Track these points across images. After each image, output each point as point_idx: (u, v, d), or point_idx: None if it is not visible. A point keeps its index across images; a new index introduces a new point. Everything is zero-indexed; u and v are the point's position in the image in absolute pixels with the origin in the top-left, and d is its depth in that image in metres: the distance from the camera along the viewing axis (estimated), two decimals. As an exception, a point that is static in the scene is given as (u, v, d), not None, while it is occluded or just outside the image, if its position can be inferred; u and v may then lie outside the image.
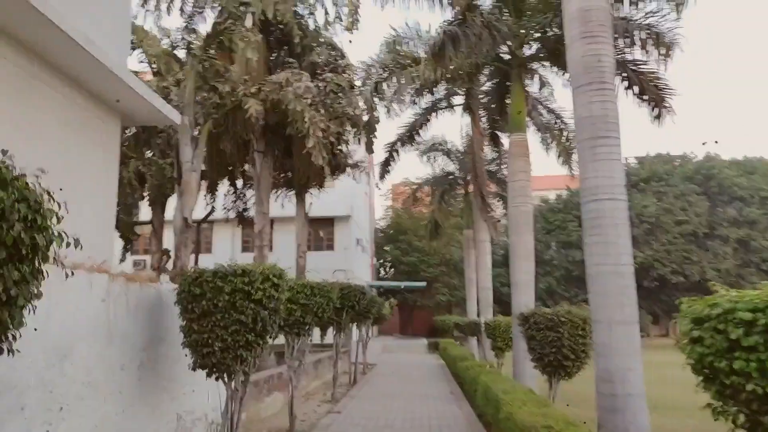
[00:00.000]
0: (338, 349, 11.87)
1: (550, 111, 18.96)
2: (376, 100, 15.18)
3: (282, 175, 19.32)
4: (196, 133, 11.48)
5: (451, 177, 26.01)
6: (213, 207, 22.36)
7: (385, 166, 20.84)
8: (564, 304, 9.78)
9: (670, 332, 42.83)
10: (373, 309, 14.38)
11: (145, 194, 18.51)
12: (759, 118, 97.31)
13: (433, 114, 20.58)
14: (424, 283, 36.73)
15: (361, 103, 14.02)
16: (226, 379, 5.62)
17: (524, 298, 12.04)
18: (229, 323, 5.31)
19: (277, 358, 19.74)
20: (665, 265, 37.88)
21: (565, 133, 19.30)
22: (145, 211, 20.53)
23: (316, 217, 29.14)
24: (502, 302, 32.31)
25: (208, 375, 5.57)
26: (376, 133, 15.60)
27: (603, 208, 6.29)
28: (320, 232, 29.62)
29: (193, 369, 5.55)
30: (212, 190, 21.64)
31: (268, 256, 14.78)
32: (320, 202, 28.93)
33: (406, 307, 42.54)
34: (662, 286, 39.22)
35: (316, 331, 12.28)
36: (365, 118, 15.52)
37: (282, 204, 22.39)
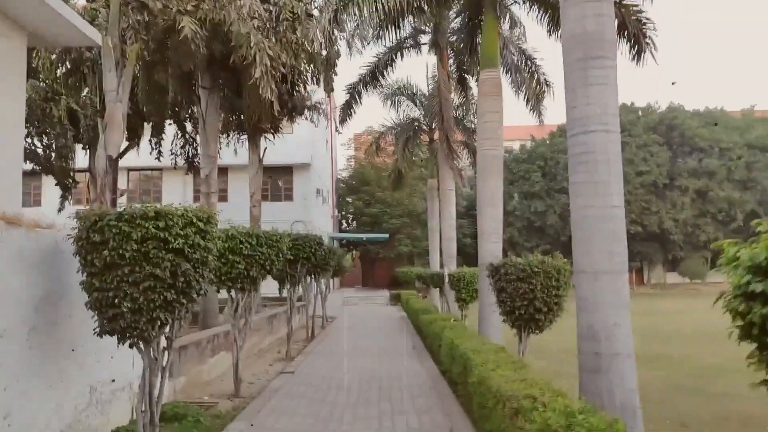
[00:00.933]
0: (292, 304, 10.97)
1: (522, 52, 17.90)
2: (335, 32, 13.76)
3: (233, 118, 17.86)
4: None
5: (415, 123, 24.88)
6: (160, 152, 20.75)
7: (347, 109, 19.54)
8: (532, 254, 9.01)
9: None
10: (332, 260, 13.46)
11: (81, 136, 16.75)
12: (724, 69, 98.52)
13: (399, 54, 19.25)
14: (386, 235, 36.09)
15: (319, 35, 12.65)
16: (142, 347, 4.59)
17: (491, 247, 11.31)
18: (141, 278, 4.24)
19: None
20: (627, 215, 38.20)
21: (536, 76, 18.33)
22: (83, 156, 18.80)
23: (274, 165, 27.69)
24: (465, 253, 32.01)
25: (119, 342, 4.53)
26: (336, 70, 14.26)
27: (594, 141, 5.38)
28: (278, 181, 28.27)
29: (99, 335, 4.50)
30: (158, 133, 19.98)
31: (216, 204, 13.55)
32: (278, 149, 27.42)
33: (368, 258, 42.03)
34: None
35: (273, 285, 11.34)
36: (324, 53, 14.13)
37: (235, 150, 20.97)
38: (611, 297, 5.29)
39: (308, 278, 13.27)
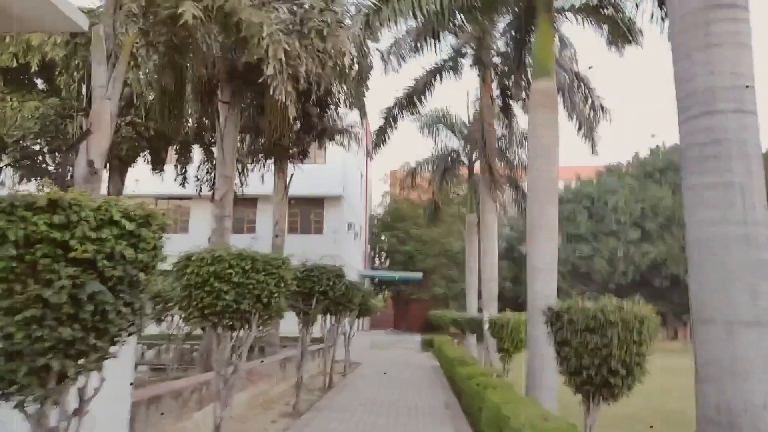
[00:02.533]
0: (304, 347, 9.26)
1: (574, 75, 16.30)
2: (368, 42, 12.46)
3: (255, 138, 16.70)
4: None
5: (454, 155, 23.33)
6: (185, 177, 19.74)
7: (381, 134, 18.17)
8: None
9: (679, 335, 40.37)
10: (355, 298, 11.75)
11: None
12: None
13: (437, 77, 17.91)
14: (420, 275, 34.19)
15: (348, 44, 11.36)
16: (32, 410, 2.98)
17: (544, 287, 9.44)
18: (21, 304, 2.67)
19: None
20: (679, 263, 35.26)
21: (590, 101, 16.63)
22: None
23: (304, 197, 26.51)
24: (504, 298, 29.66)
25: (-6, 401, 2.93)
26: (367, 84, 12.91)
27: (723, 126, 3.68)
28: (308, 212, 26.96)
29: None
30: (181, 156, 19.01)
31: (229, 229, 12.14)
32: (309, 179, 26.28)
33: (400, 299, 40.06)
34: (674, 286, 36.69)
35: (292, 322, 9.68)
36: (355, 67, 12.81)
37: (262, 177, 19.78)
38: (759, 362, 3.43)
39: (327, 317, 11.58)
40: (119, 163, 17.17)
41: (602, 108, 16.73)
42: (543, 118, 9.87)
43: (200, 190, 19.97)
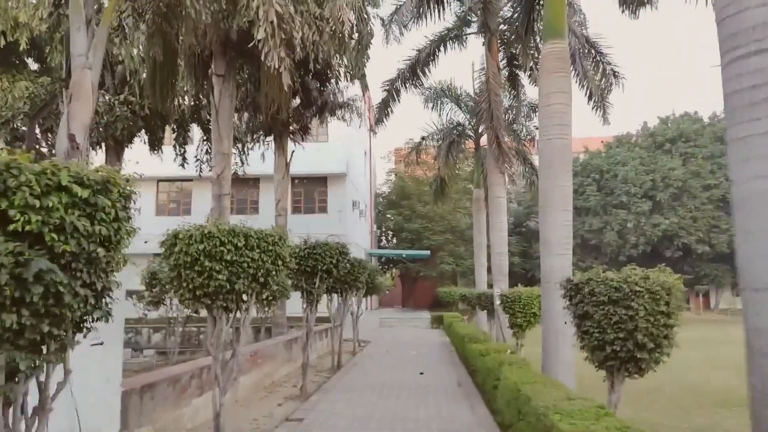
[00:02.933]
0: (309, 328, 8.86)
1: (585, 40, 15.61)
2: (367, 8, 11.85)
3: (253, 114, 16.17)
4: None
5: (459, 128, 22.70)
6: (184, 158, 19.27)
7: (384, 107, 17.57)
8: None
9: (692, 305, 40.01)
10: (361, 275, 11.34)
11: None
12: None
13: (442, 47, 17.22)
14: (427, 252, 33.80)
15: (347, 10, 10.74)
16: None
17: (559, 261, 8.96)
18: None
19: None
20: (691, 234, 34.71)
21: (601, 67, 15.96)
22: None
23: (307, 175, 26.05)
24: (513, 273, 29.30)
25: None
26: (368, 53, 12.28)
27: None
28: (312, 192, 26.49)
29: None
30: (181, 138, 18.51)
31: (228, 208, 11.71)
32: (312, 158, 25.75)
33: (408, 277, 39.77)
34: (686, 256, 36.17)
35: (299, 302, 9.29)
36: (355, 35, 12.21)
37: (263, 156, 19.32)
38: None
39: (333, 296, 11.19)
40: (114, 143, 16.70)
41: (614, 74, 16.06)
42: (555, 83, 9.28)
43: (200, 171, 19.55)
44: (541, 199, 9.50)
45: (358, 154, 30.85)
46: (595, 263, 35.55)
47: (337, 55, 13.27)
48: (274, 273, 5.61)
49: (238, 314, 5.63)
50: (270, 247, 5.53)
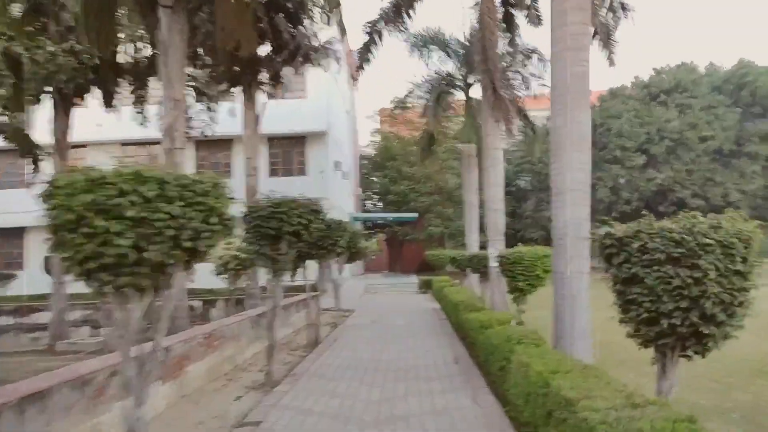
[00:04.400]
0: (276, 301, 7.34)
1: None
2: None
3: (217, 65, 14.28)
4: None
5: (448, 78, 20.88)
6: (144, 116, 17.40)
7: (366, 51, 15.65)
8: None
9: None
10: (341, 239, 9.81)
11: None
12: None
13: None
14: (415, 215, 32.36)
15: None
16: None
17: (576, 212, 7.46)
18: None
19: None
20: (685, 187, 33.54)
21: (606, 1, 14.22)
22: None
23: (285, 135, 24.20)
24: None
25: None
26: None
27: None
28: (290, 152, 24.68)
29: None
30: (139, 94, 16.56)
31: (181, 165, 10.01)
32: (289, 115, 23.86)
33: (395, 241, 38.43)
34: (680, 211, 35.02)
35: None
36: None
37: (230, 110, 17.45)
38: None
39: (307, 263, 9.66)
40: (60, 98, 14.76)
41: (622, 6, 14.34)
42: (570, 1, 7.61)
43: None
44: (553, 140, 7.92)
45: (340, 112, 28.93)
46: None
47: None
48: (207, 235, 4.01)
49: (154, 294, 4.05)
50: (198, 199, 3.91)
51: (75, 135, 23.17)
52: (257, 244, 7.00)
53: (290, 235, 6.99)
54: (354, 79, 16.98)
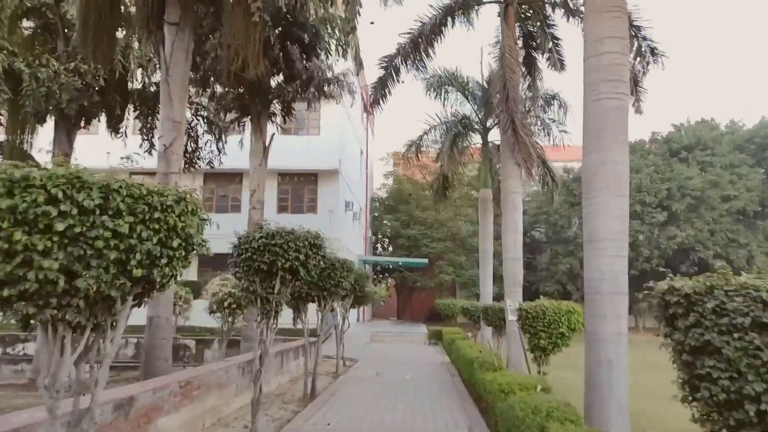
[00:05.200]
0: (264, 349, 6.36)
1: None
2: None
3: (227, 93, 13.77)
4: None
5: (465, 121, 20.33)
6: (152, 143, 16.81)
7: (382, 87, 15.15)
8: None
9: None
10: (345, 280, 8.88)
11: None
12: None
13: (449, 20, 14.87)
14: (425, 260, 31.32)
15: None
16: None
17: (612, 264, 6.54)
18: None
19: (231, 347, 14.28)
20: (708, 248, 32.25)
21: (636, 44, 13.63)
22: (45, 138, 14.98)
23: (296, 171, 23.63)
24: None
25: None
26: (359, 9, 9.88)
27: None
28: (300, 190, 24.03)
29: None
30: (146, 119, 16.02)
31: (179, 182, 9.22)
32: (302, 152, 23.31)
33: (404, 287, 37.27)
34: (702, 272, 33.50)
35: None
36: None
37: (241, 142, 16.88)
38: None
39: (307, 305, 8.73)
40: (63, 120, 14.26)
41: (652, 51, 13.73)
42: (608, 25, 6.92)
43: (187, 164, 16.94)
44: (585, 182, 7.08)
45: (353, 151, 28.46)
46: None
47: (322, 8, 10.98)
48: (164, 261, 3.14)
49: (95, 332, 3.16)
50: (156, 215, 3.07)
51: (83, 161, 22.99)
52: (247, 279, 6.11)
53: (285, 271, 6.10)
54: (369, 113, 16.19)
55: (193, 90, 15.64)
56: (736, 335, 3.33)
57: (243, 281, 6.17)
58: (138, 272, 3.00)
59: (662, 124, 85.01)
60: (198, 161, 17.04)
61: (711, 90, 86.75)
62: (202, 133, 16.98)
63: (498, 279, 24.93)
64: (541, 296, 9.82)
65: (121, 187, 2.96)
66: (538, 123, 18.93)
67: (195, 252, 3.43)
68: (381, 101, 15.28)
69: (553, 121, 18.77)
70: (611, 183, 6.69)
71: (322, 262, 6.69)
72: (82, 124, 15.42)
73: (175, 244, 3.16)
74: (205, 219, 3.56)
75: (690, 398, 3.69)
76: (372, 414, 7.88)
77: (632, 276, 32.14)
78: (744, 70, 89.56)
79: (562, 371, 10.43)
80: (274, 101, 13.69)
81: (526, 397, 5.88)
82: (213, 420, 7.22)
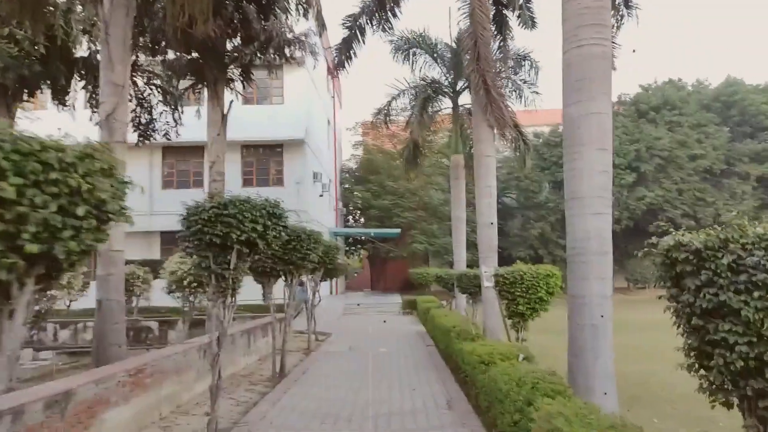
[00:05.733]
0: (222, 330, 5.78)
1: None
2: None
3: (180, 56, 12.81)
4: None
5: (435, 85, 19.64)
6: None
7: (347, 48, 14.31)
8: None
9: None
10: (313, 252, 8.30)
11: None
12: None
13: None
14: (398, 230, 30.87)
15: None
16: None
17: (596, 222, 6.12)
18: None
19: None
20: (676, 207, 32.63)
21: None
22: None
23: (260, 142, 22.67)
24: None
25: None
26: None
27: None
28: (266, 161, 23.13)
29: None
30: (91, 87, 14.89)
31: (121, 163, 8.43)
32: (265, 122, 22.37)
33: (377, 259, 36.89)
34: (672, 232, 34.13)
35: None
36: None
37: (198, 111, 15.94)
38: None
39: (270, 280, 8.15)
40: (3, 93, 13.12)
41: (626, 4, 13.23)
42: (587, -39, 6.33)
43: (141, 138, 15.97)
44: (566, 137, 6.58)
45: (320, 121, 27.55)
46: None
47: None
48: (68, 233, 2.51)
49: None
50: (54, 175, 2.42)
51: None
52: (199, 255, 5.47)
53: (242, 244, 5.48)
54: (333, 76, 15.09)
55: (143, 58, 14.59)
56: (756, 294, 2.88)
57: (195, 257, 5.53)
58: (32, 248, 2.37)
59: (630, 86, 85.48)
60: (153, 134, 16.08)
61: (678, 49, 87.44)
62: (156, 103, 15.98)
63: (471, 246, 24.77)
64: (518, 261, 9.39)
65: (3, 140, 2.30)
66: (510, 85, 18.36)
67: (113, 222, 2.79)
68: (346, 63, 14.47)
69: (525, 82, 18.25)
70: (595, 136, 6.21)
71: (284, 234, 6.06)
72: (25, 97, 14.28)
73: (80, 211, 2.52)
74: (126, 182, 2.92)
75: (697, 366, 3.27)
76: (344, 392, 7.41)
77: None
78: (709, 28, 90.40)
79: (539, 335, 10.15)
80: (231, 66, 12.78)
81: (509, 368, 5.46)
82: (171, 408, 6.65)
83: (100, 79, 8.39)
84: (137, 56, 14.19)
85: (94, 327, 8.00)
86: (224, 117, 12.98)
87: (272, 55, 12.65)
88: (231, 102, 13.15)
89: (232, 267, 5.53)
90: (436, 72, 19.64)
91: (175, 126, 16.15)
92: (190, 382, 7.29)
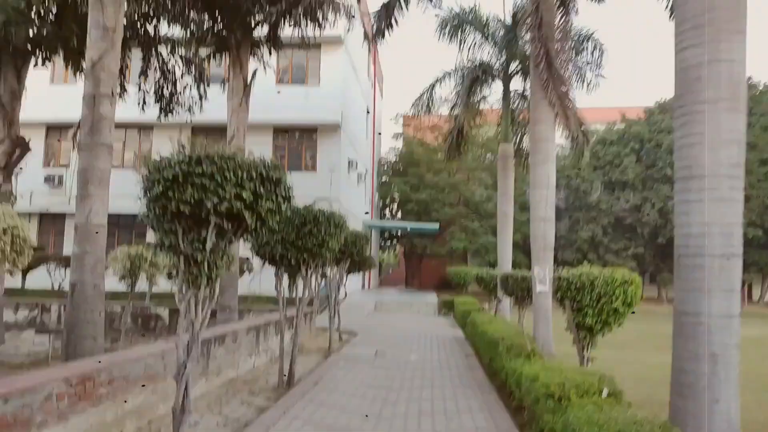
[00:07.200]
0: (194, 333, 4.27)
1: None
2: None
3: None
4: None
5: (483, 66, 17.83)
6: (124, 88, 14.62)
7: (387, 16, 12.70)
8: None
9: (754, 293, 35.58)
10: (332, 239, 6.74)
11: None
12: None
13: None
14: (436, 225, 29.10)
15: None
16: None
17: (723, 212, 4.34)
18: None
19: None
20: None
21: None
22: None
23: (293, 125, 21.32)
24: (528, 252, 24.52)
25: None
26: None
27: None
28: (298, 145, 21.76)
29: None
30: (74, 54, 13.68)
31: (111, 120, 7.08)
32: (299, 104, 21.00)
33: (413, 254, 35.25)
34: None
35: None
36: None
37: (223, 82, 14.59)
38: None
39: (274, 269, 6.64)
40: (11, 53, 12.07)
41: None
42: None
43: (143, 105, 14.90)
44: (679, 93, 4.78)
45: (358, 107, 26.05)
46: (630, 246, 30.79)
47: None
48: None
49: None
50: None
51: (60, 114, 20.77)
52: (161, 228, 3.97)
53: (221, 216, 3.94)
54: (372, 43, 13.36)
55: (166, 27, 13.41)
56: None
57: (157, 231, 4.03)
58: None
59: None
60: (177, 108, 14.90)
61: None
62: (182, 75, 14.79)
63: (516, 246, 22.80)
64: (586, 262, 7.57)
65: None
66: (570, 68, 16.36)
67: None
68: (386, 31, 12.85)
69: (588, 64, 16.24)
70: (723, 91, 4.43)
71: (286, 209, 4.47)
72: (39, 61, 13.23)
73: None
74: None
75: None
76: (358, 421, 5.80)
77: (659, 245, 29.71)
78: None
79: (605, 350, 8.31)
80: (256, 28, 11.34)
81: (595, 412, 3.75)
82: (139, 424, 5.21)
83: (88, 22, 7.04)
84: (158, 23, 13.03)
85: (65, 315, 6.66)
86: (247, 87, 11.57)
87: (301, 17, 11.11)
88: (255, 71, 11.73)
89: (208, 248, 4.00)
90: (485, 54, 17.85)
91: (200, 101, 14.90)
92: (170, 391, 5.83)
